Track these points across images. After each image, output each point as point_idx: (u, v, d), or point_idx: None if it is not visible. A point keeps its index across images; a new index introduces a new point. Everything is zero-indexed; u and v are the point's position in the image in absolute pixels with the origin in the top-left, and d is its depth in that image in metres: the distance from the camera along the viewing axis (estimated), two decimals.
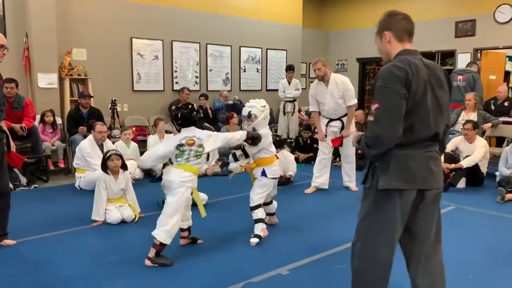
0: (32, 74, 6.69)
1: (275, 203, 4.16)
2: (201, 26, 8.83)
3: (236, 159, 3.99)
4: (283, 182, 5.69)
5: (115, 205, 4.34)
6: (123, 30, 7.77)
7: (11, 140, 3.69)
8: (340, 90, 5.28)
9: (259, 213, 3.78)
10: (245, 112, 3.83)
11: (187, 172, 3.28)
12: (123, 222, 4.24)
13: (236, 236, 3.92)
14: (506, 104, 7.45)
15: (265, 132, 3.84)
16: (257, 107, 3.81)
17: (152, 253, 3.24)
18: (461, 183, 5.68)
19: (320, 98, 5.41)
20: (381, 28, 2.31)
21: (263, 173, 3.80)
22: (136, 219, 4.31)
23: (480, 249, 3.62)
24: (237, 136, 3.63)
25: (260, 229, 3.76)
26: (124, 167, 4.43)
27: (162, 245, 3.21)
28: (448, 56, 10.35)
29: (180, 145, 3.30)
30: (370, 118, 2.12)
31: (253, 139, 3.67)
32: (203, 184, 5.00)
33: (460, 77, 7.52)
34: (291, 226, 4.17)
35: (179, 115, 3.36)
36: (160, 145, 3.73)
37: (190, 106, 3.44)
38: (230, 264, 3.30)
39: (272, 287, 2.93)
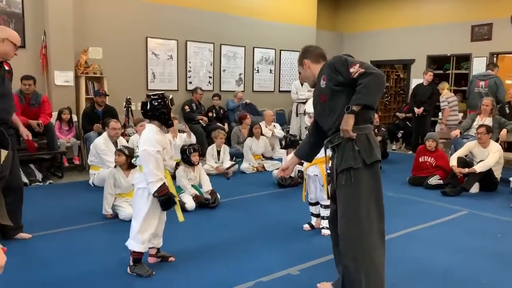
0: (49, 72, 6.81)
1: None
2: (215, 27, 8.88)
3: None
4: (295, 183, 5.70)
5: (127, 200, 4.41)
6: (139, 29, 7.85)
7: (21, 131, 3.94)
8: None
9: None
10: (311, 109, 3.84)
11: (139, 173, 3.04)
12: None
13: (247, 235, 3.94)
14: None
15: None
16: None
17: (130, 260, 3.09)
18: (475, 188, 5.63)
19: None
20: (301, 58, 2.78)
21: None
22: None
23: (493, 254, 3.58)
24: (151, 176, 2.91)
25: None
26: (132, 165, 4.47)
27: (136, 253, 3.05)
28: (463, 60, 10.26)
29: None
30: (360, 71, 2.37)
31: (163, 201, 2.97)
32: (214, 184, 5.06)
33: (482, 83, 7.42)
34: (302, 226, 4.17)
35: (146, 105, 3.06)
36: None
37: (157, 98, 3.04)
38: (241, 263, 3.32)
39: (282, 287, 2.95)
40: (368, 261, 2.43)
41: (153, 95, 3.08)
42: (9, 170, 3.48)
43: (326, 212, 3.94)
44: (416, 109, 8.63)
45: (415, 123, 8.79)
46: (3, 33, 3.45)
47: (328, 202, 3.91)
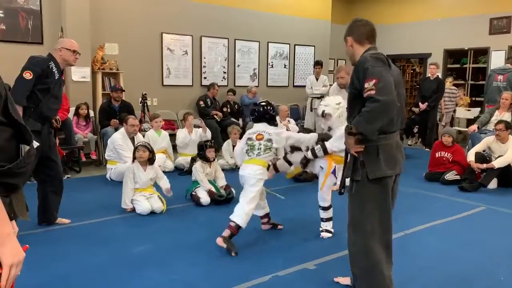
0: (66, 68, 6.87)
1: None
2: (230, 22, 8.89)
3: (315, 156, 3.88)
4: (310, 178, 5.70)
5: (144, 195, 4.46)
6: (154, 25, 7.90)
7: (57, 135, 4.12)
8: None
9: (331, 212, 3.86)
10: (319, 111, 3.81)
11: (258, 166, 3.54)
12: (152, 212, 4.35)
13: (265, 230, 3.96)
14: None
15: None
16: (331, 105, 3.65)
17: (227, 233, 3.40)
18: (493, 184, 5.56)
19: None
20: (344, 34, 2.57)
21: (334, 172, 3.69)
22: (164, 209, 4.42)
23: (511, 250, 3.55)
24: (308, 136, 3.78)
25: (331, 226, 3.85)
26: (151, 161, 4.53)
27: (238, 228, 3.40)
28: (481, 53, 10.10)
29: (249, 138, 3.62)
30: (370, 92, 2.20)
31: (324, 140, 3.67)
32: (229, 179, 5.07)
33: (500, 77, 7.31)
34: (318, 221, 4.16)
35: (255, 111, 3.69)
36: (239, 142, 3.99)
37: (265, 105, 3.68)
38: (258, 257, 3.34)
39: (299, 281, 2.96)
40: (374, 274, 2.40)
41: (263, 101, 3.73)
42: (49, 166, 3.83)
43: (324, 215, 3.85)
44: (420, 104, 8.47)
45: (420, 118, 8.58)
46: (58, 44, 3.87)
47: (326, 204, 3.83)
